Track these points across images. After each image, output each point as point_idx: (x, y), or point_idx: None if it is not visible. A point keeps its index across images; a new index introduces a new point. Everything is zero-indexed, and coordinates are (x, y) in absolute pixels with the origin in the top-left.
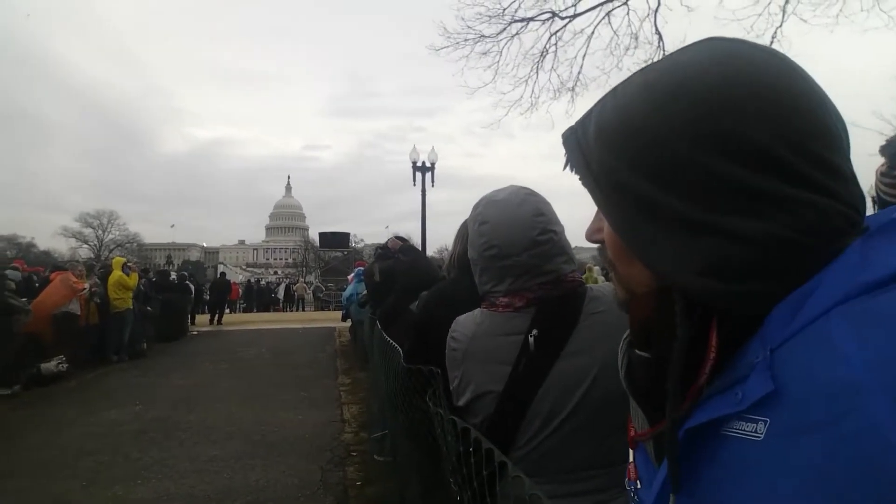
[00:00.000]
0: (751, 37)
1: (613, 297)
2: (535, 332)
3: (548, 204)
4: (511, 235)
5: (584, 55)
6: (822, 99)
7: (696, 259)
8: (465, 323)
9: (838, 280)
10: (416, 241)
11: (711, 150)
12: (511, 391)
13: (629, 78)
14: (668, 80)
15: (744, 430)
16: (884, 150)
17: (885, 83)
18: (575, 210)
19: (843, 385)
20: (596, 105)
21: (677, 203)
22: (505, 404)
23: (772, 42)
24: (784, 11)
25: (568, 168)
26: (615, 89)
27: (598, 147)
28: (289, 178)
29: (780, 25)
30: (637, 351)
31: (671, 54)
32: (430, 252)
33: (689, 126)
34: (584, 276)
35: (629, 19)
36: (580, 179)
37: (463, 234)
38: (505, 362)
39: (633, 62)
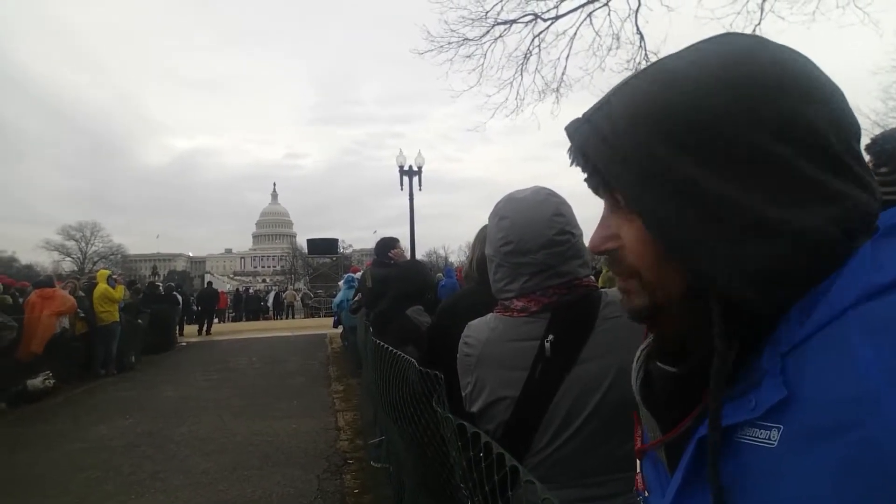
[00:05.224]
0: None
1: (622, 305)
2: (551, 337)
3: (568, 206)
4: (529, 232)
5: (568, 56)
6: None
7: (750, 260)
8: (479, 328)
9: (850, 283)
10: (405, 245)
11: (770, 132)
12: (527, 397)
13: (660, 61)
14: (720, 62)
15: (757, 437)
16: (869, 148)
17: (862, 79)
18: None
19: (859, 392)
20: (614, 93)
21: (730, 189)
22: (521, 410)
23: None
24: (762, 9)
25: (580, 162)
26: (645, 70)
27: (635, 133)
28: (274, 185)
29: (759, 23)
30: (660, 364)
31: (698, 44)
32: (418, 255)
33: (748, 107)
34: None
35: (610, 20)
36: (600, 172)
37: (482, 237)
38: (520, 368)
39: (616, 62)
